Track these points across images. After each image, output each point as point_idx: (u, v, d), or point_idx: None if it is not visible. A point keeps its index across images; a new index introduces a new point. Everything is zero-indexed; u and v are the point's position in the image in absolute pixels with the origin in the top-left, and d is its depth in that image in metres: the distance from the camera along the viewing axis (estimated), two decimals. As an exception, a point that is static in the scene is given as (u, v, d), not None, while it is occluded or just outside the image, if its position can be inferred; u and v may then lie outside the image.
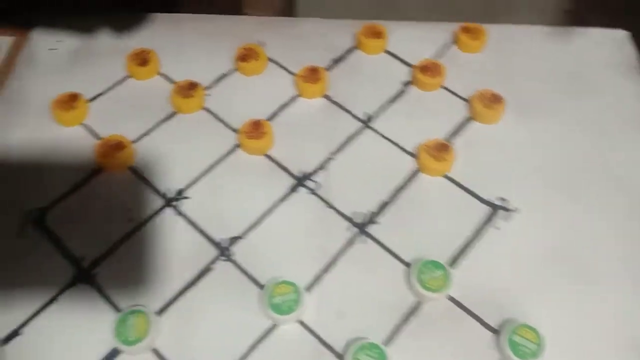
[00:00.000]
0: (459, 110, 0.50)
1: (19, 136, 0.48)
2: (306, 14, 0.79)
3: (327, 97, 0.51)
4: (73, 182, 0.45)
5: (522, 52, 0.55)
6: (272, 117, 0.49)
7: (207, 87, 0.51)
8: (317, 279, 0.40)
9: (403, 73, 0.53)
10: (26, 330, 0.38)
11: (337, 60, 0.54)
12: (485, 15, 0.80)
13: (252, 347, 0.37)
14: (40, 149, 0.47)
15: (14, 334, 0.38)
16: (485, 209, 0.44)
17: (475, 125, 0.49)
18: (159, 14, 0.57)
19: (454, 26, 0.56)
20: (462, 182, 0.45)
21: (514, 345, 0.36)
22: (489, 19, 0.61)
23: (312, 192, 0.45)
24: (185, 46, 0.54)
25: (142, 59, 0.51)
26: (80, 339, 0.37)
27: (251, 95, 0.51)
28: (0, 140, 0.47)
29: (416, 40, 0.55)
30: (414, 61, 0.53)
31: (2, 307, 0.38)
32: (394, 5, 0.82)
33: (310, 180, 0.45)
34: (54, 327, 0.38)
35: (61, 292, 0.39)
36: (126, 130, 0.47)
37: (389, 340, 0.37)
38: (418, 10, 0.80)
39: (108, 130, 0.48)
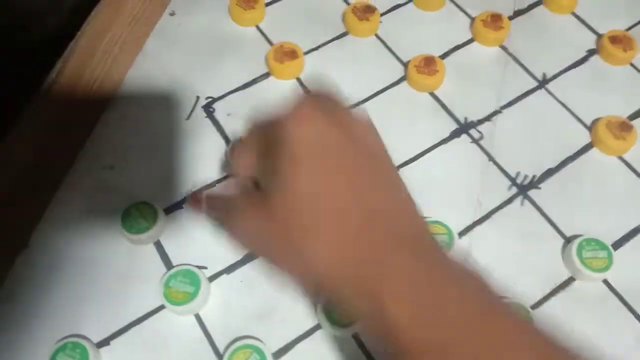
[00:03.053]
0: (646, 92, 0.46)
1: (196, 28, 0.49)
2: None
3: (503, 47, 0.48)
4: (243, 81, 0.45)
5: None
6: (443, 57, 0.47)
7: (381, 14, 0.50)
8: (469, 229, 0.39)
9: (589, 40, 0.49)
10: (185, 205, 0.40)
11: (520, 12, 0.50)
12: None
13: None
14: (215, 43, 0.48)
15: (176, 206, 0.40)
16: (658, 200, 0.41)
17: (660, 111, 0.45)
18: None
19: (652, -1, 0.51)
20: (637, 168, 0.42)
21: (670, 346, 0.34)
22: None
23: (475, 141, 0.43)
24: (364, -32, 0.53)
25: (322, -28, 0.51)
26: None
27: (424, 30, 0.49)
28: (180, 28, 0.49)
29: (609, 8, 0.51)
30: (603, 30, 0.49)
31: (167, 182, 0.40)
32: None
33: (475, 129, 0.44)
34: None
35: (219, 181, 0.41)
36: (297, 41, 0.47)
37: (535, 306, 0.36)
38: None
39: (280, 37, 0.48)
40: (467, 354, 0.22)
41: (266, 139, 0.27)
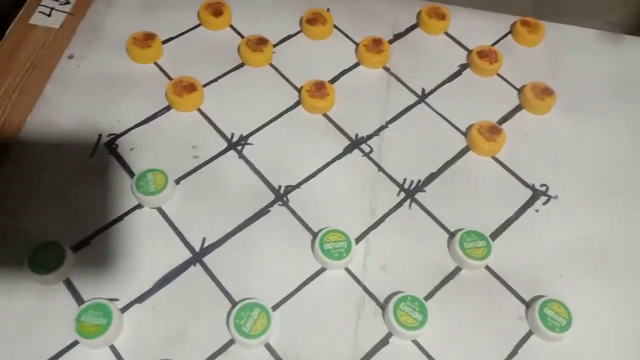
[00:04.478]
0: (511, 98, 0.52)
1: (95, 69, 0.50)
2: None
3: (386, 68, 0.53)
4: (144, 116, 0.47)
5: (576, 52, 0.56)
6: (333, 81, 0.52)
7: (274, 45, 0.53)
8: (364, 234, 0.43)
9: (460, 56, 0.55)
10: (93, 242, 0.41)
11: (399, 36, 0.56)
12: (534, 15, 0.82)
13: (301, 286, 0.40)
14: (114, 82, 0.49)
15: (83, 243, 0.41)
16: (526, 192, 0.46)
17: (524, 114, 0.51)
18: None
19: (513, 19, 0.58)
20: (508, 165, 0.48)
21: (544, 318, 0.39)
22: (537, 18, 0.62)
23: (366, 155, 0.47)
24: (256, 3, 0.56)
25: (215, 9, 0.54)
26: (136, 259, 0.40)
27: (314, 58, 0.53)
28: (79, 70, 0.50)
29: (476, 27, 0.57)
30: (472, 46, 0.55)
31: (74, 220, 0.41)
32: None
33: (365, 144, 0.48)
34: (118, 243, 0.41)
35: (126, 214, 0.42)
36: (195, 74, 0.50)
37: (428, 297, 0.40)
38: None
39: (179, 72, 0.50)
40: None
41: None
